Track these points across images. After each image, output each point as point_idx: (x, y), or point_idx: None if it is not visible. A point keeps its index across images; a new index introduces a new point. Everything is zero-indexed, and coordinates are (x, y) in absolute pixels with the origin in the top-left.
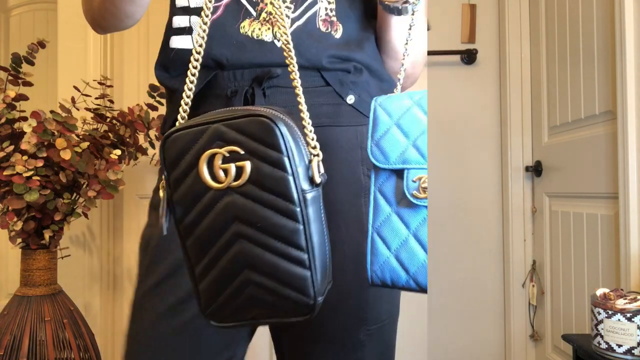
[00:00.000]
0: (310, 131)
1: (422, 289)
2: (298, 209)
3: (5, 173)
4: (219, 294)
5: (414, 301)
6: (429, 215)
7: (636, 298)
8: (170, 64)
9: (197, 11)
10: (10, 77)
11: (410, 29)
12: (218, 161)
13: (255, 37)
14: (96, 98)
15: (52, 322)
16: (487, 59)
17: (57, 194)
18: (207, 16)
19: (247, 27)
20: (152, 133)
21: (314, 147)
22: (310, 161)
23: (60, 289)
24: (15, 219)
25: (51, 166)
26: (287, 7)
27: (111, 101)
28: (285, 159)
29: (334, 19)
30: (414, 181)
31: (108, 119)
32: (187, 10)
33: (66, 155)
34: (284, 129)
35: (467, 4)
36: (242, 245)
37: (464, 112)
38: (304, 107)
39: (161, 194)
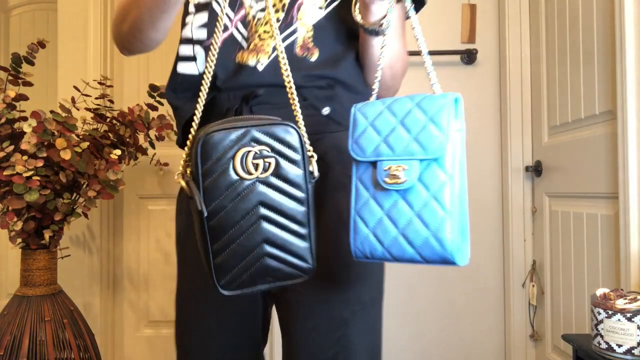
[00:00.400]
0: (305, 136)
1: (395, 259)
2: (306, 197)
3: (5, 173)
4: (235, 266)
5: (413, 301)
6: None
7: (636, 298)
8: (178, 86)
9: (199, 42)
10: (10, 77)
11: (382, 47)
12: (250, 157)
13: (243, 63)
14: (96, 98)
15: (52, 322)
16: (487, 59)
17: (57, 194)
18: (214, 55)
19: (240, 57)
20: (152, 133)
21: (309, 150)
22: (310, 159)
23: (60, 289)
24: (15, 219)
25: (51, 166)
26: (270, 35)
27: (111, 101)
28: (301, 159)
29: (311, 45)
30: (385, 170)
31: (108, 119)
32: (190, 41)
33: (66, 155)
34: (301, 135)
35: (467, 4)
36: (262, 225)
37: (464, 112)
38: (300, 117)
39: (183, 183)
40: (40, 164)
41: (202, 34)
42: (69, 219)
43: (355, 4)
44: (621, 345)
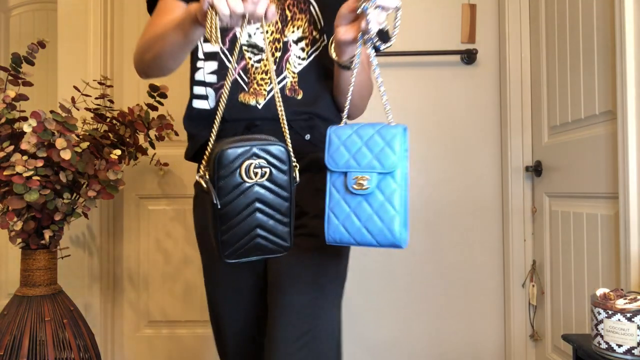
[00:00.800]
0: (291, 152)
1: (358, 244)
2: (289, 196)
3: (5, 173)
4: (235, 242)
5: (413, 301)
6: (428, 215)
7: (636, 298)
8: (193, 117)
9: (210, 84)
10: (10, 77)
11: (352, 77)
12: (252, 167)
13: (246, 102)
14: (96, 98)
15: (52, 322)
16: (487, 59)
17: (57, 194)
18: (226, 96)
19: (242, 97)
20: (152, 133)
21: (294, 162)
22: (294, 169)
23: (60, 289)
24: (15, 219)
25: (51, 166)
26: (265, 82)
27: (111, 101)
28: (287, 169)
29: (297, 87)
30: (353, 179)
31: (108, 119)
32: (203, 84)
33: (66, 155)
34: (289, 152)
35: (467, 4)
36: (256, 215)
37: (464, 112)
38: (288, 138)
39: (203, 183)
40: (40, 164)
41: (212, 79)
42: (69, 219)
43: (332, 44)
44: (621, 345)
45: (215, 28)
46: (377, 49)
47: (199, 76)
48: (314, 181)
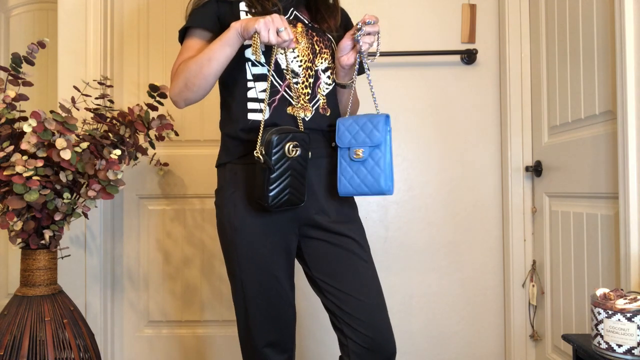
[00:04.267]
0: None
1: (359, 194)
2: (307, 165)
3: (5, 173)
4: (277, 196)
5: (413, 301)
6: (428, 215)
7: (636, 298)
8: (248, 128)
9: (262, 100)
10: (10, 77)
11: (351, 94)
12: (291, 147)
13: (294, 115)
14: (96, 98)
15: (52, 322)
16: (487, 59)
17: (57, 194)
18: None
19: (290, 110)
20: (152, 133)
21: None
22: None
23: (60, 289)
24: (15, 219)
25: (51, 166)
26: (307, 101)
27: (111, 101)
28: (307, 149)
29: (326, 106)
30: (353, 152)
31: (108, 119)
32: (256, 100)
33: (66, 155)
34: (309, 138)
35: (467, 4)
36: (291, 179)
37: (464, 112)
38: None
39: (261, 158)
40: (40, 164)
41: (263, 96)
42: (69, 219)
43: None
44: (621, 345)
45: (258, 47)
46: (362, 68)
47: (251, 94)
48: (328, 172)
